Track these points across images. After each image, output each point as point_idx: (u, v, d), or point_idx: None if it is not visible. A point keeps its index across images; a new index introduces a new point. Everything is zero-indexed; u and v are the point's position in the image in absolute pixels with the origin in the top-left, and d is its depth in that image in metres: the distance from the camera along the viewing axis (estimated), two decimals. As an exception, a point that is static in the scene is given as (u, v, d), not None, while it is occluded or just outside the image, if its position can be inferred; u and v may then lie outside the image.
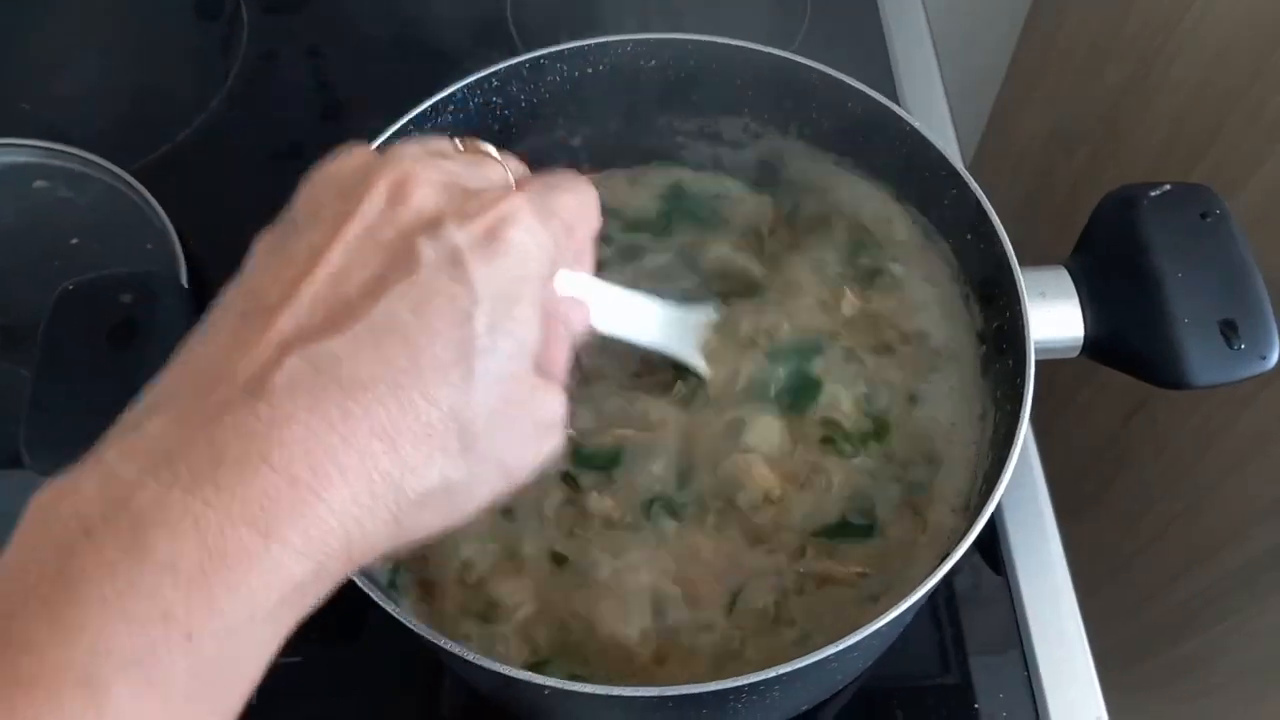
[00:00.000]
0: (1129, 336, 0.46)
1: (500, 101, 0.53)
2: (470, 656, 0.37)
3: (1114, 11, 0.83)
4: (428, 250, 0.27)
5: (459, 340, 0.27)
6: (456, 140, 0.34)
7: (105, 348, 0.45)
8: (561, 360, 0.33)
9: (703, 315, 0.50)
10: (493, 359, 0.28)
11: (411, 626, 0.38)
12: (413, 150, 0.31)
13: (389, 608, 0.38)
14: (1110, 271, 0.47)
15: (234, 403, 0.25)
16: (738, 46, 0.52)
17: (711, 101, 0.56)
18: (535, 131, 0.55)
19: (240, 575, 0.24)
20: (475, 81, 0.50)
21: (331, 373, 0.26)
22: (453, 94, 0.50)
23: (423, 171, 0.29)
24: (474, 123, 0.52)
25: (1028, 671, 0.53)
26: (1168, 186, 0.48)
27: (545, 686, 0.37)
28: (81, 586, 0.23)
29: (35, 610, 0.23)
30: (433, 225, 0.28)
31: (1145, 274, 0.46)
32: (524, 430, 0.30)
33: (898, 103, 0.52)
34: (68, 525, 0.24)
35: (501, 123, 0.54)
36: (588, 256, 0.35)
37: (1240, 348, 0.45)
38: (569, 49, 0.52)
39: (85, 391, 0.44)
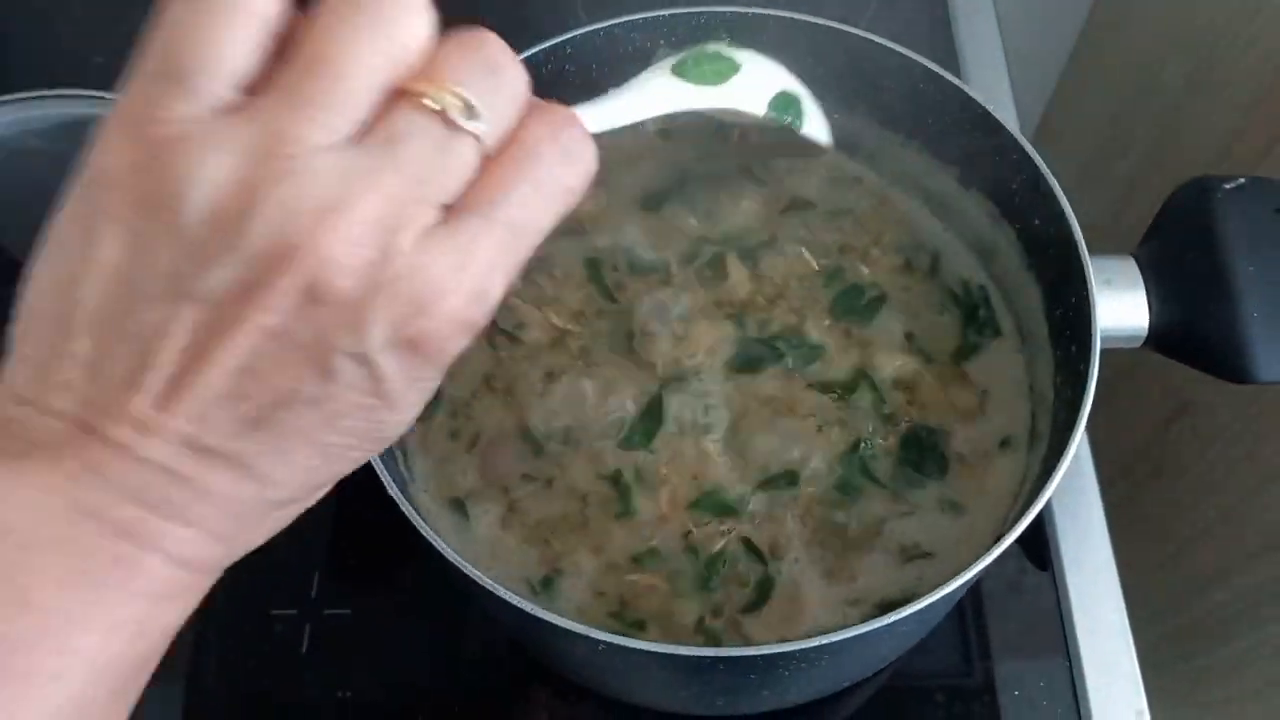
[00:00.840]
0: (1195, 329, 0.46)
1: (572, 69, 0.53)
2: (527, 607, 0.38)
3: (1179, 4, 0.82)
4: (344, 366, 0.24)
5: (369, 440, 0.26)
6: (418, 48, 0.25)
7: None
8: None
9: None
10: (397, 431, 0.27)
11: (472, 574, 0.38)
12: (325, 136, 0.23)
13: (447, 552, 0.39)
14: (1179, 262, 0.47)
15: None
16: (809, 22, 0.52)
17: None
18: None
19: None
20: (550, 48, 0.51)
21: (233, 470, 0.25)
22: (528, 59, 0.50)
23: (349, 250, 0.23)
24: (544, 90, 0.53)
25: (1070, 664, 0.53)
26: (1243, 180, 0.48)
27: (600, 641, 0.38)
28: None
29: None
30: (353, 333, 0.24)
31: (1215, 266, 0.46)
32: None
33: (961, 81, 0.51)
34: None
35: (571, 91, 0.54)
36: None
37: (1309, 345, 0.44)
38: (644, 18, 0.52)
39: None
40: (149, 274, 0.23)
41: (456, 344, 0.25)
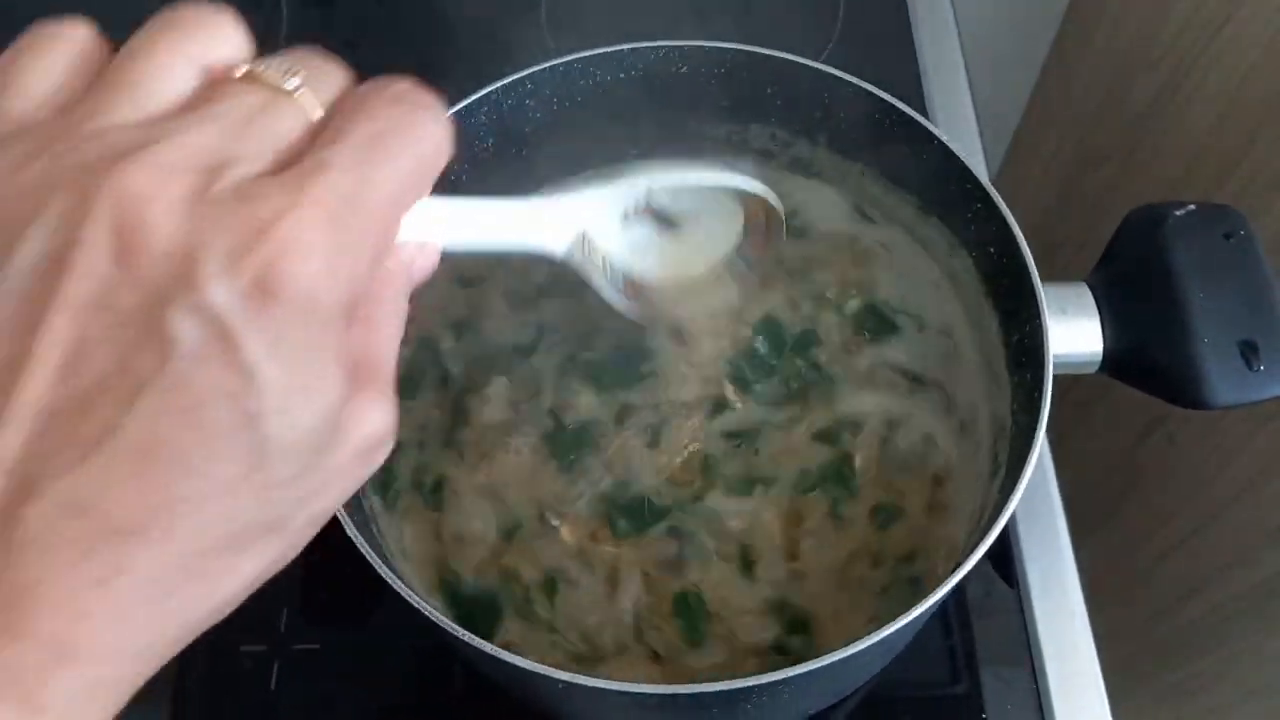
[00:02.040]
0: (1149, 354, 0.46)
1: (533, 104, 0.53)
2: (487, 649, 0.38)
3: (1143, 30, 0.83)
4: (183, 328, 0.20)
5: (246, 446, 0.21)
6: (215, 34, 0.23)
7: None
8: (385, 358, 0.25)
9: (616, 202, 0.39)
10: (293, 442, 0.22)
11: (436, 619, 0.38)
12: (133, 110, 0.22)
13: (409, 597, 0.39)
14: (1132, 289, 0.48)
15: None
16: (768, 55, 0.53)
17: (741, 109, 0.56)
18: (566, 133, 0.56)
19: None
20: (510, 84, 0.51)
21: (90, 520, 0.19)
22: (487, 95, 0.51)
23: (159, 175, 0.20)
24: (506, 123, 0.53)
25: (1037, 685, 0.53)
26: (1192, 206, 0.49)
27: (560, 680, 0.38)
28: None
29: None
30: (184, 281, 0.20)
31: (1167, 292, 0.46)
32: (341, 469, 0.24)
33: (926, 115, 0.52)
34: None
35: (533, 124, 0.54)
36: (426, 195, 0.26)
37: (1260, 369, 0.45)
38: (602, 54, 0.53)
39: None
40: None
41: (317, 284, 0.21)
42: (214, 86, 0.23)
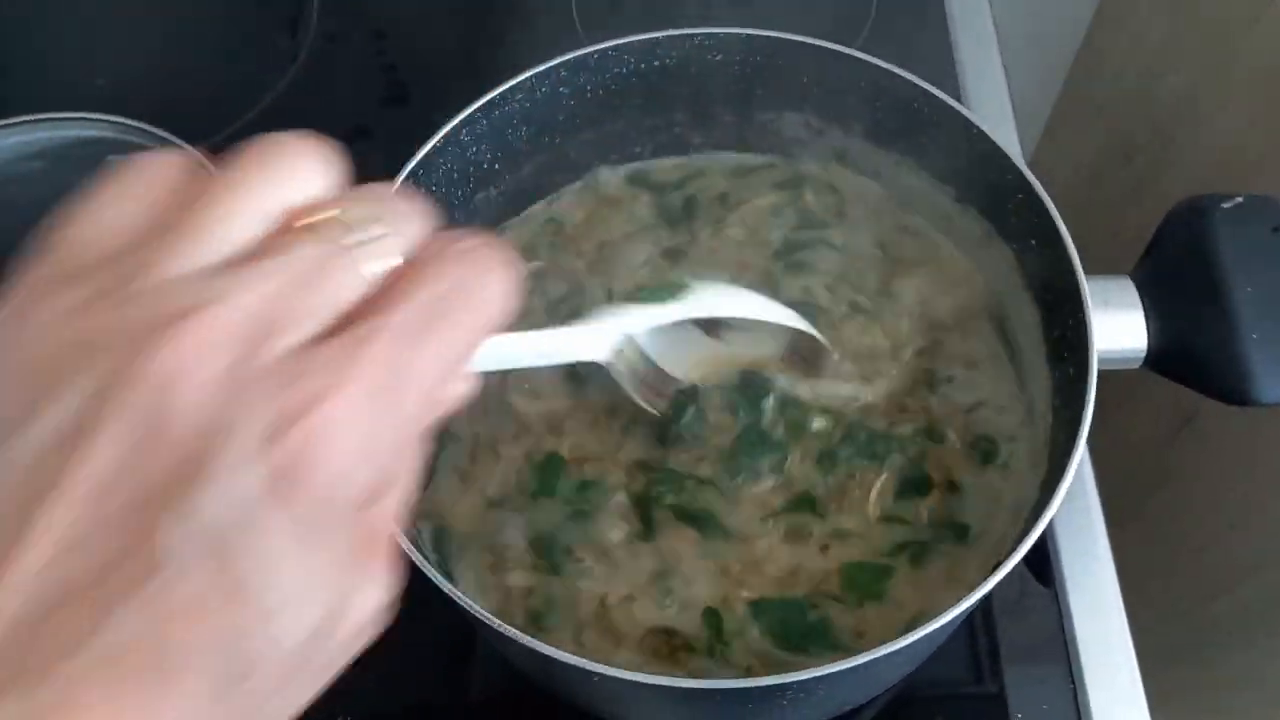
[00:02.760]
0: (1194, 350, 0.46)
1: (567, 92, 0.53)
2: (523, 640, 0.38)
3: (1178, 18, 0.82)
4: (176, 538, 0.18)
5: (230, 664, 0.19)
6: (298, 191, 0.22)
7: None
8: (393, 522, 0.22)
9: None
10: (286, 651, 0.20)
11: (469, 608, 0.38)
12: (196, 258, 0.20)
13: (444, 585, 0.39)
14: (1177, 283, 0.47)
15: None
16: (802, 42, 0.52)
17: (775, 97, 0.56)
18: (599, 121, 0.55)
19: None
20: (544, 71, 0.51)
21: None
22: (521, 82, 0.51)
23: (202, 350, 0.19)
24: (540, 111, 0.53)
25: (1073, 684, 0.53)
26: (1240, 199, 0.47)
27: (594, 673, 0.37)
28: None
29: None
30: (195, 475, 0.18)
31: (1213, 287, 0.45)
32: (328, 658, 0.21)
33: (960, 102, 0.51)
34: None
35: (566, 112, 0.54)
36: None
37: (1308, 365, 0.44)
38: (637, 40, 0.52)
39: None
40: None
41: (346, 468, 0.19)
42: (284, 234, 0.21)
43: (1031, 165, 0.48)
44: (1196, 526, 0.93)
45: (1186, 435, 0.90)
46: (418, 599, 0.55)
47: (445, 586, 0.39)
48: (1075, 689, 0.52)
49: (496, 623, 0.38)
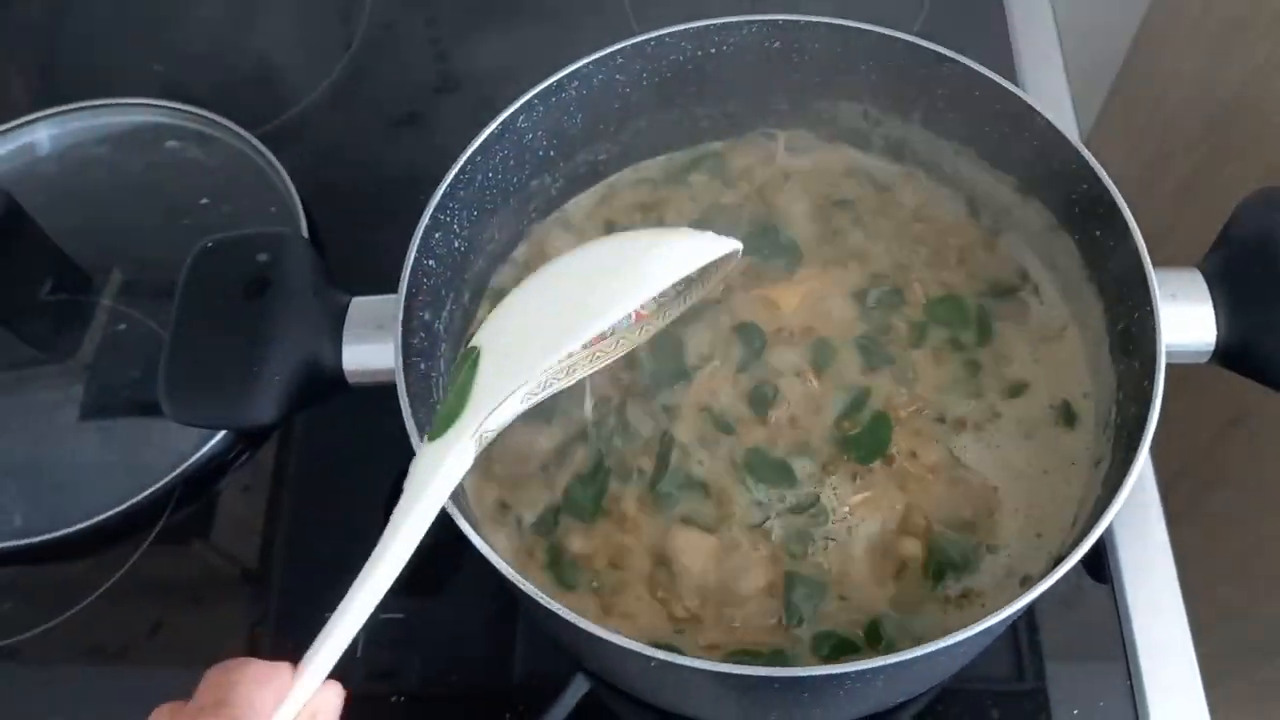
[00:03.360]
0: (1265, 344, 0.44)
1: (622, 79, 0.53)
2: (582, 624, 0.38)
3: (1241, 3, 0.79)
4: None
5: None
6: None
7: (240, 302, 0.46)
8: None
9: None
10: None
11: (530, 592, 0.39)
12: None
13: (514, 577, 0.39)
14: (1248, 275, 0.45)
15: None
16: (863, 29, 0.52)
17: (832, 86, 0.55)
18: (653, 109, 0.55)
19: None
20: (601, 58, 0.51)
21: None
22: (578, 69, 0.51)
23: None
24: (595, 99, 0.53)
25: (1130, 681, 0.52)
26: (1316, 190, 0.46)
27: (652, 658, 0.37)
28: None
29: None
30: None
31: (1286, 279, 0.44)
32: None
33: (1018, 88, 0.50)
34: None
35: (622, 100, 0.54)
36: None
37: (1385, 362, 0.43)
38: (694, 28, 0.52)
39: (220, 344, 0.46)
40: None
41: None
42: None
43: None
44: (1251, 526, 0.91)
45: (1238, 432, 0.88)
46: (468, 581, 0.56)
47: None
48: (1133, 686, 0.52)
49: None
